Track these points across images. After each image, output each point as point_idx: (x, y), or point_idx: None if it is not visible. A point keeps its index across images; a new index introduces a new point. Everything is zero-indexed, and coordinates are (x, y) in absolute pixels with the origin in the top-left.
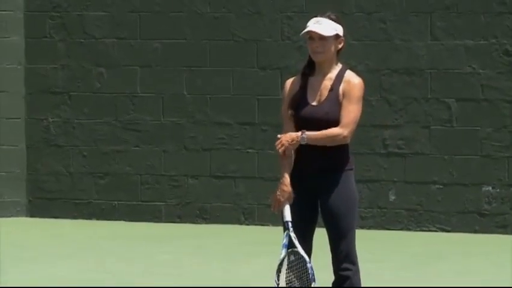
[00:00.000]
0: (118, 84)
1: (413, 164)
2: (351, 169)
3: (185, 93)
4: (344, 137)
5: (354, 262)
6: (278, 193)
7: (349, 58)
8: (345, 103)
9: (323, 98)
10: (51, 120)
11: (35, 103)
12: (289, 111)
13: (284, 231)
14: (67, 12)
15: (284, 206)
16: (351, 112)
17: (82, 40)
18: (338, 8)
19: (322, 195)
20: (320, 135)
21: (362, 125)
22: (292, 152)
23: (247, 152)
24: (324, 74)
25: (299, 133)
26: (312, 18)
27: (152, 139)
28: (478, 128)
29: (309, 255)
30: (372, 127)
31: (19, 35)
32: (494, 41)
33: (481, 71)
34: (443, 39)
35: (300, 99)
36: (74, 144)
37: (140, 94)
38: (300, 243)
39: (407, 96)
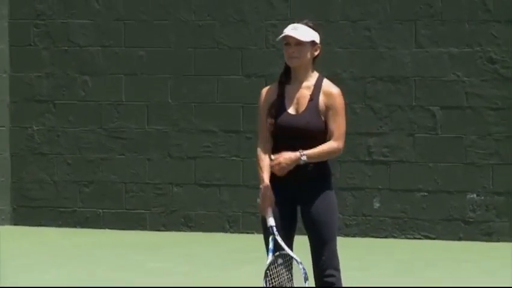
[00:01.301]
0: (102, 92)
1: (397, 172)
2: (331, 177)
3: (170, 101)
4: (340, 149)
5: (337, 268)
6: (260, 199)
7: (334, 66)
8: (332, 116)
9: (302, 107)
10: (35, 128)
11: (20, 111)
12: (269, 120)
13: (265, 237)
14: (52, 20)
15: (267, 212)
16: (340, 125)
17: (67, 48)
18: (322, 15)
19: (303, 204)
20: (320, 153)
21: (347, 132)
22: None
23: (232, 159)
24: (301, 82)
25: (298, 153)
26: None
27: (137, 147)
28: (462, 135)
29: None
30: (357, 135)
31: (4, 43)
32: (478, 48)
33: (465, 78)
34: (427, 46)
35: (278, 107)
36: (58, 153)
37: (125, 102)
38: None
39: (392, 104)
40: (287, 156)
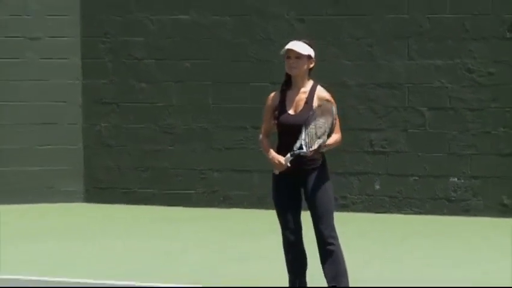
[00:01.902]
0: (156, 96)
1: (394, 160)
2: (326, 165)
3: (210, 103)
4: (341, 138)
5: (335, 238)
6: (275, 162)
7: (342, 75)
8: (329, 116)
9: (299, 108)
10: (103, 125)
11: (90, 111)
12: (273, 121)
13: (277, 211)
14: (115, 38)
15: (281, 159)
16: (338, 123)
17: (127, 61)
18: (333, 35)
19: (305, 188)
20: (333, 142)
21: (352, 128)
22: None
23: (260, 150)
24: (299, 88)
25: (321, 141)
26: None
27: (184, 140)
28: (446, 131)
29: (300, 236)
30: (360, 130)
31: (77, 57)
32: (458, 61)
33: (448, 85)
34: (417, 59)
35: (280, 109)
36: (121, 145)
37: (174, 104)
38: (292, 225)
39: (389, 106)
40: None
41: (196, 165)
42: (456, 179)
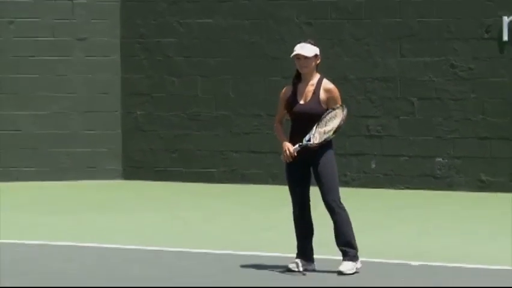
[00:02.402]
0: (184, 88)
1: (387, 143)
2: (331, 145)
3: (231, 94)
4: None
5: (340, 207)
6: (286, 150)
7: (344, 70)
8: (334, 103)
9: (308, 98)
10: (138, 113)
11: (128, 101)
12: (286, 110)
13: (289, 186)
14: (150, 39)
15: (292, 148)
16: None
17: (160, 58)
18: (336, 35)
19: (313, 165)
20: (338, 127)
21: (352, 116)
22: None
23: (274, 135)
24: (308, 81)
25: (326, 136)
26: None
27: (208, 126)
28: (432, 118)
29: (309, 208)
30: (359, 117)
31: (117, 55)
32: (443, 58)
33: (434, 78)
34: (409, 56)
35: (292, 100)
36: (154, 130)
37: (199, 95)
38: (301, 199)
39: (384, 96)
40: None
41: (218, 147)
42: (441, 159)
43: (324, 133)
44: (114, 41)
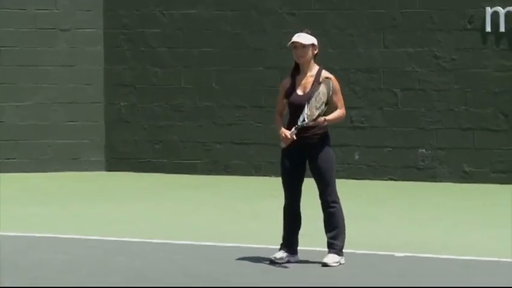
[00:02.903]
0: (168, 79)
1: (371, 134)
2: (329, 139)
3: (214, 85)
4: (345, 114)
5: (337, 202)
6: (283, 136)
7: (328, 61)
8: (333, 94)
9: (307, 89)
10: (122, 104)
11: (111, 92)
12: (285, 100)
13: (282, 178)
14: (133, 29)
15: (288, 133)
16: (340, 99)
17: (143, 49)
18: (320, 26)
19: (310, 157)
20: (336, 117)
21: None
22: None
23: (257, 126)
24: (306, 73)
25: (322, 119)
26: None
27: (191, 117)
28: (415, 108)
29: (299, 201)
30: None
31: (100, 45)
32: (427, 49)
33: (418, 69)
34: (392, 47)
35: (291, 91)
36: (137, 121)
37: (183, 86)
38: (294, 192)
39: (367, 87)
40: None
41: (202, 138)
42: (424, 150)
43: (316, 109)
44: (97, 31)
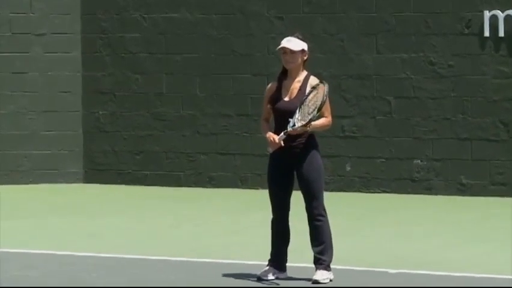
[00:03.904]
0: (149, 86)
1: (363, 144)
2: (318, 149)
3: (198, 93)
4: (331, 122)
5: (323, 215)
6: (270, 139)
7: (317, 67)
8: (320, 95)
9: (294, 95)
10: (101, 113)
11: (89, 100)
12: (269, 106)
13: (270, 192)
14: (112, 34)
15: (276, 137)
16: (328, 107)
17: (123, 55)
18: (308, 30)
19: (298, 168)
20: (321, 124)
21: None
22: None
23: (243, 135)
24: (294, 78)
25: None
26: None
27: (174, 126)
28: (410, 117)
29: (288, 215)
30: (333, 117)
31: (77, 51)
32: (422, 54)
33: (412, 76)
34: (385, 53)
35: (276, 97)
36: (117, 130)
37: (165, 94)
38: (282, 204)
39: (359, 95)
40: (298, 130)
41: (185, 149)
42: (419, 161)
43: (308, 114)
44: (74, 36)
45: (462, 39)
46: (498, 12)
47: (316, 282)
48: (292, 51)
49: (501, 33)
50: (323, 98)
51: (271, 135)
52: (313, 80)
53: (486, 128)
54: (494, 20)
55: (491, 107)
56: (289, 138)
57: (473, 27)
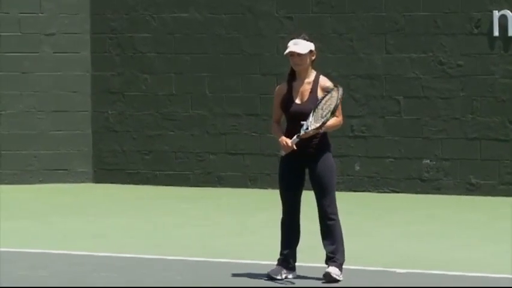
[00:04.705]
0: (158, 86)
1: (372, 144)
2: (330, 149)
3: (207, 92)
4: (341, 122)
5: (336, 214)
6: (283, 143)
7: (326, 67)
8: (334, 98)
9: (305, 98)
10: (110, 112)
11: (98, 100)
12: (281, 110)
13: (280, 190)
14: (122, 34)
15: (289, 141)
16: (339, 107)
17: (132, 54)
18: (317, 30)
19: (310, 168)
20: (332, 125)
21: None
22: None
23: (252, 135)
24: (303, 79)
25: (324, 119)
26: (292, 39)
27: (183, 126)
28: (419, 117)
29: (298, 215)
30: (343, 117)
31: (87, 51)
32: (431, 54)
33: (421, 76)
34: (394, 53)
35: (287, 99)
36: (126, 130)
37: (174, 93)
38: (292, 204)
39: (368, 95)
40: (289, 141)
41: (194, 148)
42: (428, 161)
43: (322, 117)
44: (84, 36)
45: (471, 39)
46: (507, 12)
47: (328, 274)
48: (300, 55)
49: (510, 33)
50: (337, 102)
51: (284, 139)
52: (323, 80)
53: (495, 127)
54: (503, 19)
55: (500, 106)
56: (303, 141)
57: (483, 27)
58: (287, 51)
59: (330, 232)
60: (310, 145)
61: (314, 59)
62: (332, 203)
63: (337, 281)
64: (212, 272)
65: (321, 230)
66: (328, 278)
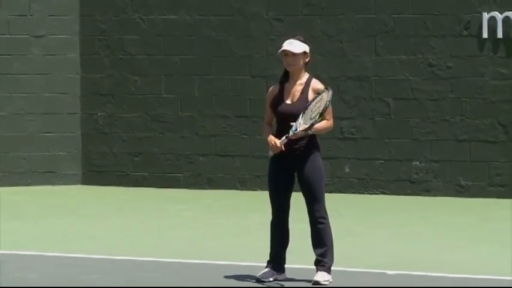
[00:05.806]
0: (147, 88)
1: (362, 146)
2: (319, 150)
3: (196, 94)
4: (332, 125)
5: (325, 217)
6: (272, 143)
7: (316, 69)
8: (323, 100)
9: (296, 98)
10: (99, 114)
11: (88, 102)
12: (272, 109)
13: (270, 192)
14: (111, 35)
15: (278, 141)
16: (330, 110)
17: (122, 56)
18: (307, 32)
19: (299, 170)
20: (323, 127)
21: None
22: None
23: (242, 137)
24: (296, 81)
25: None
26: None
27: (172, 128)
28: (409, 119)
29: (287, 216)
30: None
31: (76, 53)
32: (420, 56)
33: (411, 78)
34: (383, 55)
35: (278, 99)
36: (116, 132)
37: (164, 95)
38: (282, 205)
39: (358, 96)
40: (299, 134)
41: (184, 150)
42: (418, 163)
43: (310, 119)
44: (73, 38)
45: (460, 41)
46: (497, 14)
47: (317, 283)
48: (293, 54)
49: (499, 35)
50: (326, 104)
51: (273, 139)
52: (315, 83)
53: (484, 129)
54: (492, 21)
55: (490, 108)
56: (291, 142)
57: (472, 28)
58: (281, 50)
59: (320, 235)
60: (299, 146)
61: (308, 61)
62: (321, 207)
63: (326, 284)
64: (203, 274)
65: (312, 233)
66: (317, 285)
